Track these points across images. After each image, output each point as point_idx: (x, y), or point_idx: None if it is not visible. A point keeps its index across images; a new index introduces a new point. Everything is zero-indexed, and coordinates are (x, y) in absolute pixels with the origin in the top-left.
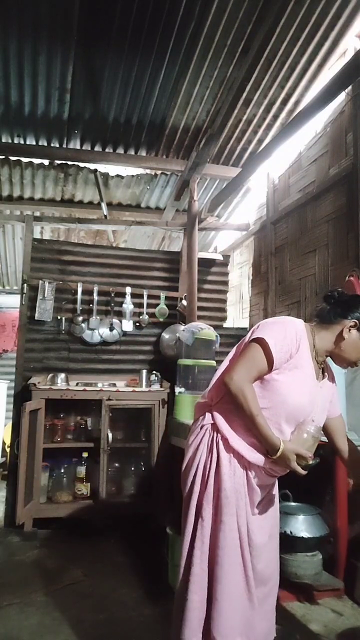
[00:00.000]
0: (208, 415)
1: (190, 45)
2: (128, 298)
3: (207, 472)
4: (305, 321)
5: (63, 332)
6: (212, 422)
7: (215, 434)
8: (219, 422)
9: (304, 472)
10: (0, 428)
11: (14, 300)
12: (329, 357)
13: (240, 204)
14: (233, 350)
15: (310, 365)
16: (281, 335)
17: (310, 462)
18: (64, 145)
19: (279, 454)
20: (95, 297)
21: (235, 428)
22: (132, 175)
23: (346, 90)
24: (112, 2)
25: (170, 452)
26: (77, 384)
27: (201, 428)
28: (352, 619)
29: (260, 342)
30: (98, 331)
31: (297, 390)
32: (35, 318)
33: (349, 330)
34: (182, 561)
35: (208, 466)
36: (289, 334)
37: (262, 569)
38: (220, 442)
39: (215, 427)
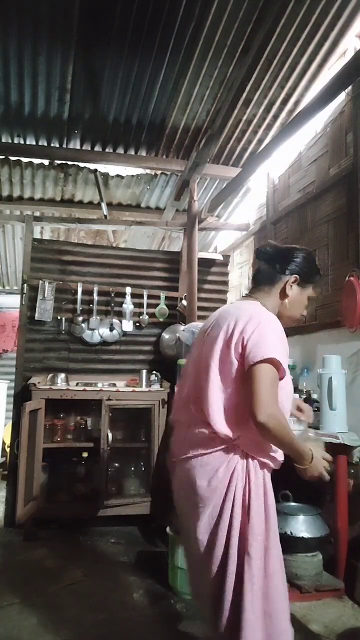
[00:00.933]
0: (232, 448)
1: (190, 45)
2: (128, 298)
3: (246, 502)
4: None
5: (63, 332)
6: (241, 450)
7: (246, 460)
8: (248, 448)
9: (328, 477)
10: (0, 428)
11: (14, 300)
12: None
13: (240, 204)
14: (216, 354)
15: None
16: (280, 341)
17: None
18: (64, 145)
19: (313, 461)
20: (95, 297)
21: (262, 446)
22: (132, 175)
23: (346, 90)
24: (112, 2)
25: (170, 452)
26: (77, 384)
27: (228, 462)
28: (352, 619)
29: (271, 362)
30: (98, 331)
31: (287, 376)
32: (35, 318)
33: (291, 286)
34: (227, 612)
35: (247, 495)
36: (280, 332)
37: None
38: (254, 464)
39: (244, 454)
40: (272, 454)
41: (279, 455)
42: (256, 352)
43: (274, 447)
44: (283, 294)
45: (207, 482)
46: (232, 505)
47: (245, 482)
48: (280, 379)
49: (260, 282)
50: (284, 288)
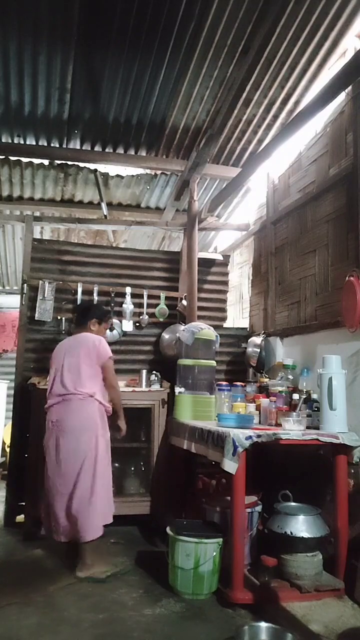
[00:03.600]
0: (95, 400)
1: (190, 45)
2: (128, 298)
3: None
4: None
5: (63, 332)
6: (98, 401)
7: (101, 407)
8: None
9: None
10: (0, 428)
11: (14, 300)
12: None
13: (240, 204)
14: (82, 356)
15: None
16: (106, 345)
17: None
18: (64, 145)
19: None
20: (95, 297)
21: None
22: (132, 175)
23: (346, 90)
24: (112, 2)
25: (170, 452)
26: None
27: (93, 407)
28: (352, 619)
29: (110, 358)
30: None
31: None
32: (35, 318)
33: (95, 325)
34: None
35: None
36: (103, 342)
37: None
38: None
39: (101, 403)
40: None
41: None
42: (105, 354)
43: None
44: (90, 329)
45: (80, 425)
46: (97, 439)
47: (100, 423)
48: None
49: (78, 324)
50: (90, 326)
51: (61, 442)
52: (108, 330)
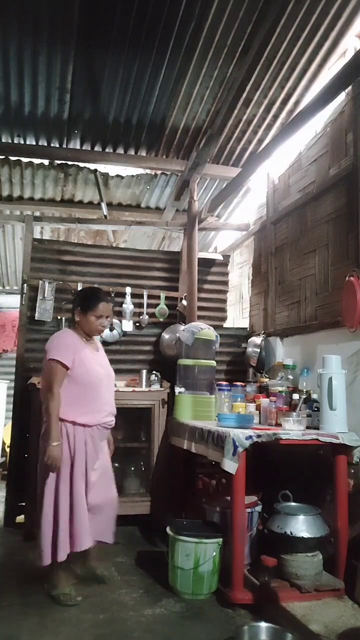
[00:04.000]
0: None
1: (190, 45)
2: (128, 298)
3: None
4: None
5: None
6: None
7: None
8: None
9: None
10: (0, 428)
11: (14, 300)
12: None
13: (240, 204)
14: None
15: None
16: (58, 347)
17: None
18: (64, 145)
19: (53, 448)
20: None
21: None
22: (132, 175)
23: (346, 90)
24: (112, 2)
25: (170, 452)
26: None
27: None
28: (352, 619)
29: (52, 360)
30: None
31: (90, 370)
32: (35, 318)
33: (78, 315)
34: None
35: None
36: (60, 341)
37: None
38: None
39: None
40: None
41: (86, 417)
42: (47, 355)
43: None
44: (75, 321)
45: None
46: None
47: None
48: (67, 368)
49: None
50: (75, 317)
51: None
52: (108, 330)
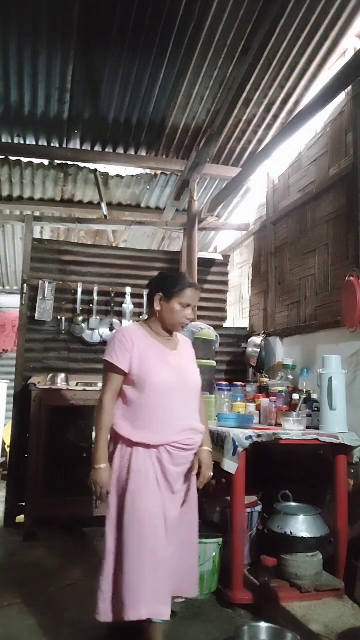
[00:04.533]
0: None
1: (190, 45)
2: (128, 298)
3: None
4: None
5: (63, 332)
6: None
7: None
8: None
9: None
10: (0, 428)
11: (14, 300)
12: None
13: (240, 204)
14: None
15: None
16: (114, 347)
17: None
18: (64, 145)
19: (98, 472)
20: (95, 297)
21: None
22: (132, 175)
23: (346, 90)
24: (112, 2)
25: None
26: (77, 384)
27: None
28: (352, 619)
29: (105, 361)
30: (98, 331)
31: (154, 370)
32: (35, 318)
33: (159, 302)
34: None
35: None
36: (118, 340)
37: None
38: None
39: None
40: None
41: (158, 435)
42: (104, 355)
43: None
44: (155, 311)
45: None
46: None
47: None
48: (121, 374)
49: (148, 305)
50: (154, 305)
51: None
52: (108, 330)
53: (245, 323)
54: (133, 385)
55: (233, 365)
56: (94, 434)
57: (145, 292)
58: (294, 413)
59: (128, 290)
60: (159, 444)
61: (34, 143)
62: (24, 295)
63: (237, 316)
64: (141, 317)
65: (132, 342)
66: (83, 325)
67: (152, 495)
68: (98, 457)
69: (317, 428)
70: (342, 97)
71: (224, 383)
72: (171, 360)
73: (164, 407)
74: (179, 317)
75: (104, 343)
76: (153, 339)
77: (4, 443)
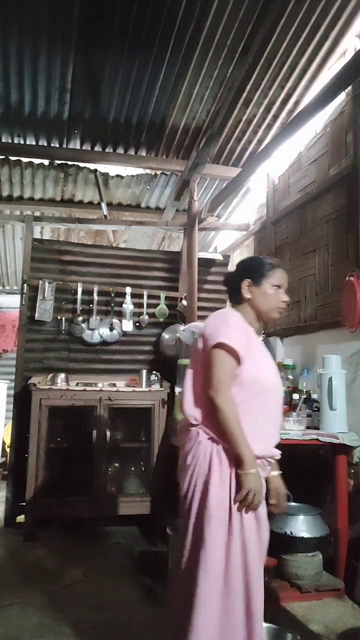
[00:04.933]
0: (200, 432)
1: (190, 45)
2: (128, 298)
3: (206, 493)
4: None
5: (63, 332)
6: (208, 435)
7: (213, 447)
8: (213, 435)
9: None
10: (0, 428)
11: (14, 300)
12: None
13: (240, 204)
14: (190, 366)
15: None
16: (233, 332)
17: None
18: (64, 145)
19: (253, 476)
20: (95, 297)
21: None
22: (132, 175)
23: (346, 90)
24: (112, 2)
25: (170, 452)
26: (77, 384)
27: (195, 443)
28: (352, 619)
29: (221, 346)
30: (98, 331)
31: (265, 369)
32: (35, 318)
33: (248, 289)
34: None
35: (207, 485)
36: (236, 325)
37: None
38: (222, 454)
39: (213, 440)
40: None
41: (261, 446)
42: (211, 340)
43: (252, 433)
44: (246, 299)
45: (181, 467)
46: (193, 492)
47: (207, 471)
48: (235, 356)
49: (232, 299)
50: (242, 293)
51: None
52: (108, 330)
53: None
54: (242, 380)
55: None
56: (230, 436)
57: (128, 290)
58: (294, 413)
59: (128, 290)
60: (264, 456)
61: (34, 143)
62: (24, 295)
63: None
64: (141, 317)
65: (245, 328)
66: (83, 325)
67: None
68: (250, 459)
69: (317, 428)
70: (342, 97)
71: None
72: (270, 358)
73: (269, 412)
74: (275, 301)
75: (104, 343)
76: (254, 330)
77: (4, 443)
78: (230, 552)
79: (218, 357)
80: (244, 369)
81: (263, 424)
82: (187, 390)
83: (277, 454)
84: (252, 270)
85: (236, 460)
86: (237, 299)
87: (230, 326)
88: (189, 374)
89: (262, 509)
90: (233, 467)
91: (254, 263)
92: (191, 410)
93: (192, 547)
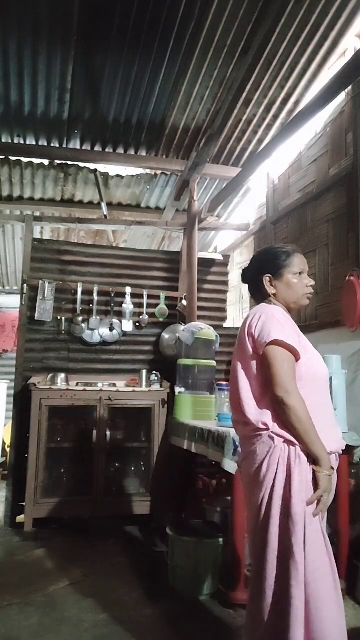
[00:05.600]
0: (274, 436)
1: (190, 45)
2: (128, 298)
3: (288, 498)
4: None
5: (63, 332)
6: (283, 439)
7: (290, 449)
8: (288, 437)
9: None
10: (0, 428)
11: (14, 300)
12: None
13: (240, 204)
14: (239, 369)
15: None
16: (283, 327)
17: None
18: (64, 145)
19: (330, 476)
20: (95, 297)
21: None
22: (132, 175)
23: (346, 90)
24: (112, 2)
25: (170, 452)
26: (77, 384)
27: (269, 449)
28: (353, 619)
29: (277, 343)
30: (98, 331)
31: (316, 358)
32: (35, 318)
33: (270, 284)
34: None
35: (288, 489)
36: (283, 321)
37: None
38: (298, 455)
39: (289, 442)
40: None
41: (330, 440)
42: (263, 338)
43: (319, 428)
44: (271, 294)
45: (251, 481)
46: (271, 500)
47: (287, 475)
48: (294, 353)
49: (256, 296)
50: (266, 289)
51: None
52: (108, 330)
53: None
54: (301, 376)
55: None
56: (305, 435)
57: (128, 290)
58: None
59: (128, 290)
60: (334, 450)
61: (34, 143)
62: (24, 295)
63: (237, 316)
64: (141, 317)
65: (291, 321)
66: (83, 325)
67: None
68: (326, 459)
69: None
70: (342, 97)
71: (224, 383)
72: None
73: (328, 404)
74: (301, 288)
75: (104, 343)
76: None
77: (4, 443)
78: (322, 553)
79: (277, 355)
80: (302, 363)
81: (326, 416)
82: (244, 395)
83: (344, 445)
84: (269, 263)
85: (313, 461)
86: (261, 295)
87: (280, 322)
88: (239, 378)
89: None
90: (311, 468)
91: (269, 256)
92: (257, 415)
93: (280, 561)
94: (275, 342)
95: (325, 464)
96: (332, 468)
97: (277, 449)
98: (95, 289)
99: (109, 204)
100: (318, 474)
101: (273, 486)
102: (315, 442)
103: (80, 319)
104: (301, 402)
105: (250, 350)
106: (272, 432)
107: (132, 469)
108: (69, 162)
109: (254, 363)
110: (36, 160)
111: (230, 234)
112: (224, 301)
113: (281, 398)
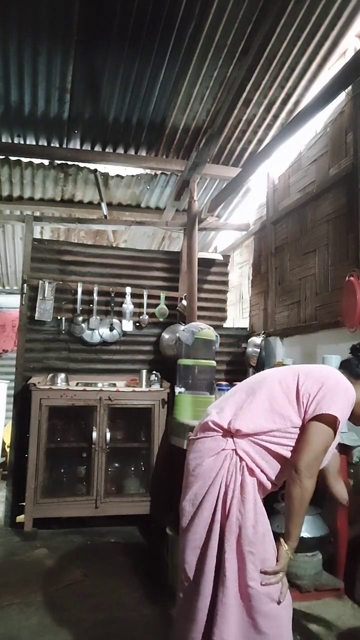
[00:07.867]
0: (230, 440)
1: (190, 45)
2: (128, 298)
3: (229, 499)
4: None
5: (63, 332)
6: (234, 448)
7: (238, 461)
8: (249, 451)
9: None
10: (0, 428)
11: (14, 300)
12: None
13: (240, 204)
14: (277, 387)
15: None
16: (345, 406)
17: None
18: (64, 145)
19: (288, 557)
20: (95, 297)
21: (263, 468)
22: (132, 175)
23: (346, 90)
24: (112, 2)
25: (170, 452)
26: (77, 384)
27: (220, 451)
28: (352, 619)
29: (331, 418)
30: (98, 331)
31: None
32: (35, 318)
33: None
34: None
35: (231, 493)
36: (348, 402)
37: None
38: (245, 470)
39: (238, 455)
40: (268, 471)
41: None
42: (320, 403)
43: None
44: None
45: (193, 468)
46: (216, 500)
47: (231, 486)
48: (335, 435)
49: (349, 371)
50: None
51: None
52: (108, 330)
53: (245, 323)
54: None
55: (233, 365)
56: (296, 515)
57: (128, 290)
58: None
59: (128, 290)
60: None
61: (34, 143)
62: (24, 295)
63: (237, 316)
64: (141, 317)
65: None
66: (83, 325)
67: None
68: (296, 543)
69: None
70: (342, 97)
71: (224, 383)
72: None
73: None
74: None
75: (104, 343)
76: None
77: (4, 443)
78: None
79: (323, 432)
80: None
81: None
82: (259, 407)
83: None
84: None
85: (286, 534)
86: (350, 373)
87: (349, 402)
88: (274, 395)
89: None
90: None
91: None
92: (247, 425)
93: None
94: (330, 417)
95: (292, 545)
96: (292, 558)
97: (226, 456)
98: (95, 289)
99: (109, 204)
100: (282, 548)
101: (218, 493)
102: (299, 525)
103: (80, 319)
104: (313, 488)
105: (292, 387)
106: (230, 435)
107: (132, 469)
108: (69, 162)
109: (292, 408)
110: (36, 160)
111: (230, 234)
112: (224, 301)
113: (301, 473)
